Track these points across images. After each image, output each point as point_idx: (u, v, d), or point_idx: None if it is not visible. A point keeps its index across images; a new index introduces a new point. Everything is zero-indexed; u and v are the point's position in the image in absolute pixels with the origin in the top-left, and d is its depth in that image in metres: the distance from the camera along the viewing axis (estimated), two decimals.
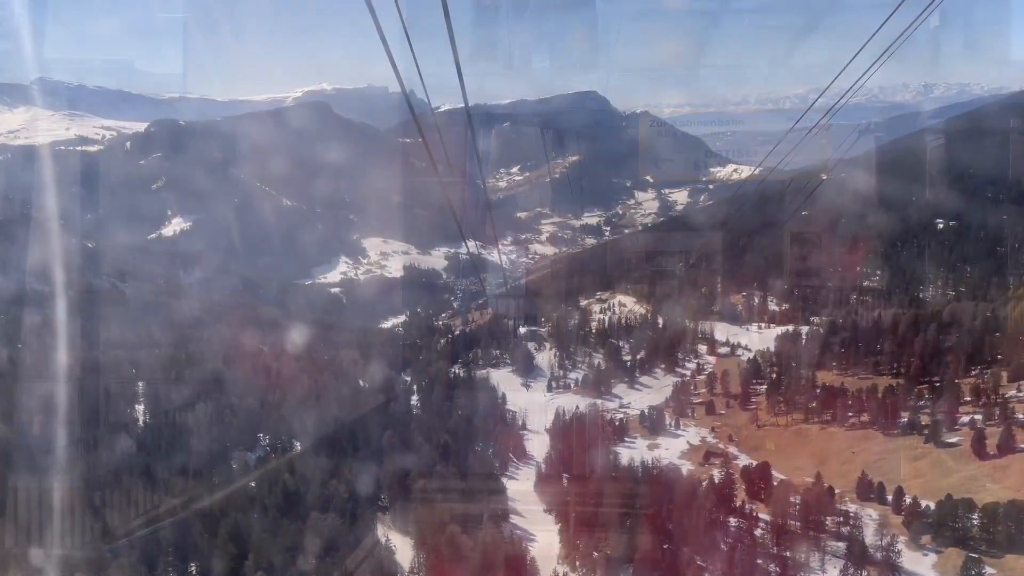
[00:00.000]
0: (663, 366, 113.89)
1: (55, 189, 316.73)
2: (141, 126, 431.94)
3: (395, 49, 6.03)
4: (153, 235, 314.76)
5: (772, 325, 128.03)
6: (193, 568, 42.61)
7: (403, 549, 51.85)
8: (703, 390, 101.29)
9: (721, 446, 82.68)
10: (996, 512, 48.68)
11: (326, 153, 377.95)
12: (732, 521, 57.86)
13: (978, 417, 65.95)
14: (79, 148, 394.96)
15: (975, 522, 49.71)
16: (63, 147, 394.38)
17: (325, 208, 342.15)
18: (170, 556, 41.77)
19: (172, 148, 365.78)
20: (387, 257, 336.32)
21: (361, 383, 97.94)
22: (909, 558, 49.90)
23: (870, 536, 51.17)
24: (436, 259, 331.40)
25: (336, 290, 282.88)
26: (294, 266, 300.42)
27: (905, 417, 71.64)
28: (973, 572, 43.85)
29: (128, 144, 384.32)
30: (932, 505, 53.56)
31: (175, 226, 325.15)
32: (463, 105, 8.20)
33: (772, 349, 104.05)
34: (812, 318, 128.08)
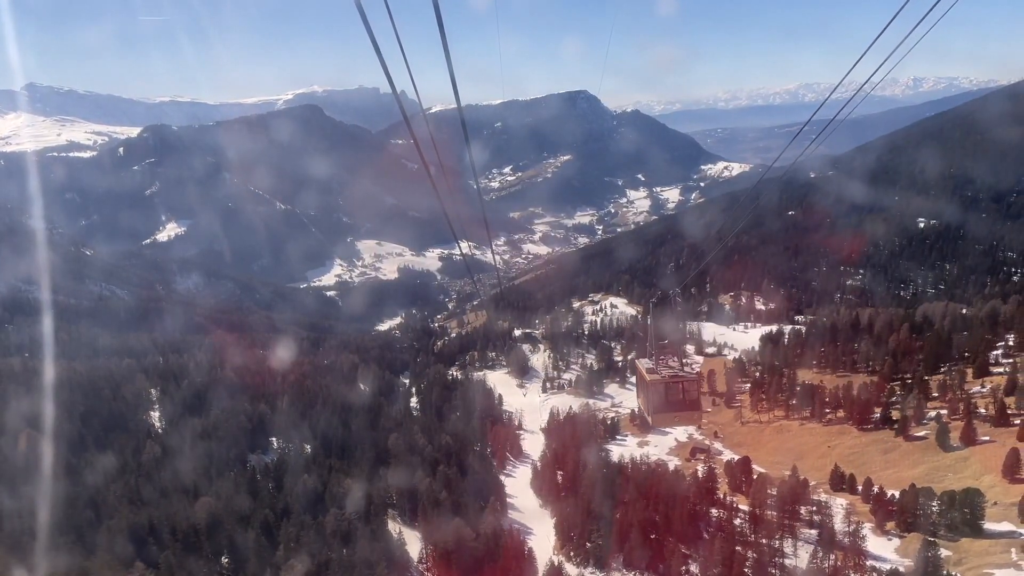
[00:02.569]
0: None
1: (49, 196, 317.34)
2: (133, 131, 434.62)
3: (385, 50, 6.05)
4: (147, 240, 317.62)
5: (758, 324, 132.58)
6: (227, 559, 46.76)
7: (412, 541, 56.18)
8: None
9: (707, 442, 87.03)
10: (953, 499, 53.29)
11: (318, 156, 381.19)
12: (714, 512, 62.31)
13: (944, 412, 70.59)
14: (71, 154, 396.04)
15: (934, 509, 54.34)
16: (55, 153, 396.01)
17: (318, 211, 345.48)
18: (209, 548, 45.85)
19: (165, 153, 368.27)
20: (381, 259, 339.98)
21: (362, 386, 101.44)
22: (874, 543, 54.46)
23: (839, 523, 55.74)
24: (430, 260, 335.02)
25: (331, 293, 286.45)
26: (288, 269, 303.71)
27: (878, 413, 76.27)
28: (929, 554, 48.33)
29: (121, 150, 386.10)
30: (897, 494, 58.14)
31: (169, 231, 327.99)
32: (455, 106, 7.85)
33: (756, 349, 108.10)
34: (796, 317, 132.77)
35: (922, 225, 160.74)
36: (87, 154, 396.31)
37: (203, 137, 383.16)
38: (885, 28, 7.67)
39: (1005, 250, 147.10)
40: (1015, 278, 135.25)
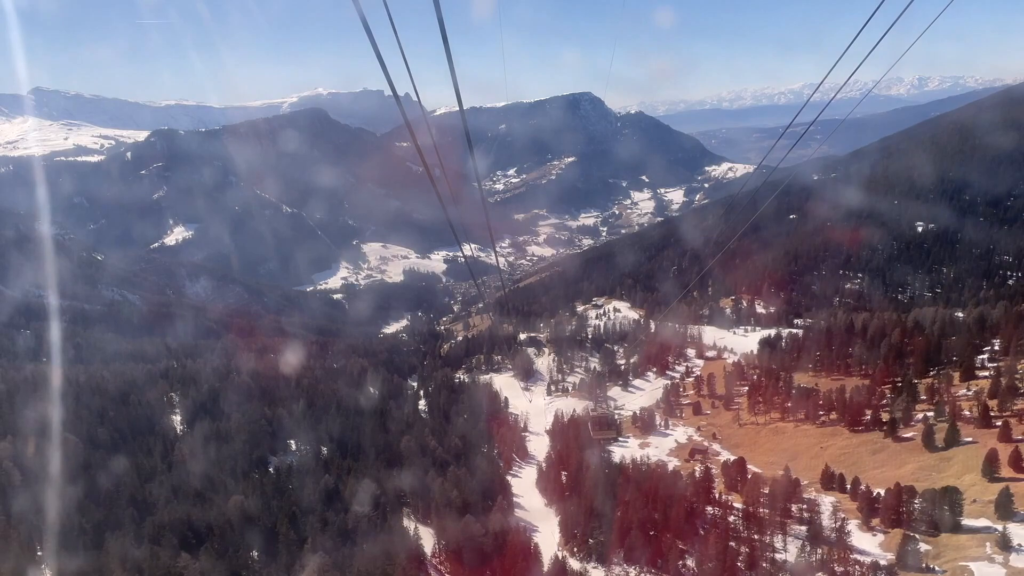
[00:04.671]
0: (655, 369, 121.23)
1: (58, 200, 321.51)
2: (139, 135, 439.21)
3: (388, 55, 6.00)
4: (155, 244, 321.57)
5: (757, 328, 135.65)
6: (257, 553, 50.46)
7: (425, 537, 59.83)
8: (691, 392, 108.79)
9: (706, 444, 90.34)
10: (934, 497, 56.60)
11: (323, 160, 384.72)
12: (710, 510, 65.73)
13: (930, 414, 73.80)
14: (79, 158, 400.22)
15: (916, 506, 57.66)
16: (63, 157, 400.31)
17: (324, 214, 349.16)
18: (242, 542, 49.57)
19: (172, 158, 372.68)
20: (387, 262, 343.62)
21: (372, 390, 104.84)
22: (859, 538, 57.79)
23: (827, 520, 59.14)
24: (435, 263, 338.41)
25: (338, 296, 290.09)
26: (295, 273, 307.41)
27: (868, 415, 79.48)
28: (909, 548, 51.78)
29: (128, 154, 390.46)
30: (883, 492, 61.46)
31: (177, 235, 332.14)
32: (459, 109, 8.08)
33: (755, 352, 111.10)
34: (795, 320, 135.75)
35: (920, 229, 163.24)
36: (95, 158, 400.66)
37: (210, 142, 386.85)
38: (859, 33, 8.11)
39: (1000, 254, 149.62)
40: (1010, 282, 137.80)
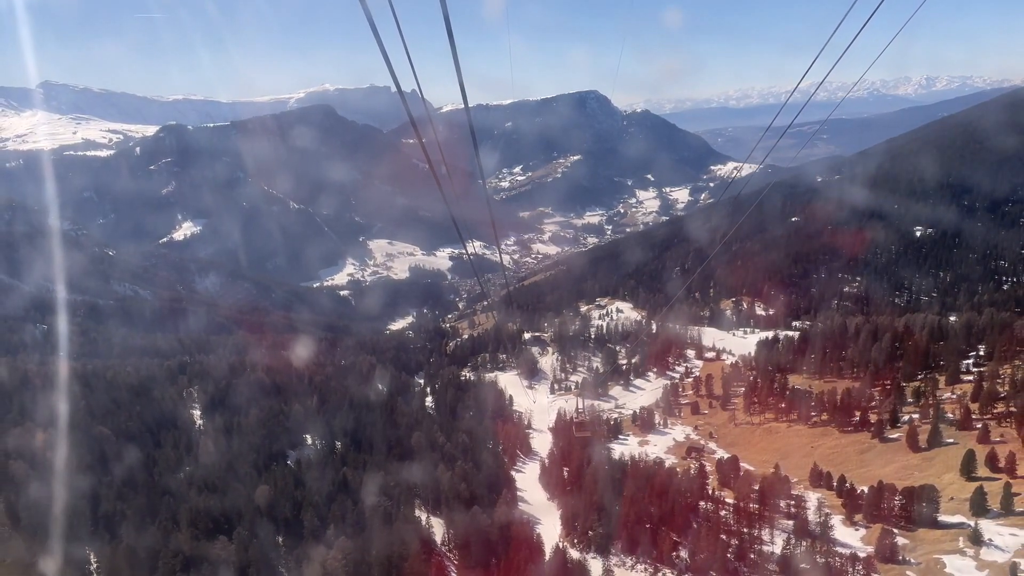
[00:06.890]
0: (655, 370, 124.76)
1: (67, 195, 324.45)
2: (147, 129, 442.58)
3: (394, 54, 5.90)
4: (164, 239, 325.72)
5: (757, 330, 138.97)
6: (282, 538, 54.49)
7: (436, 527, 63.78)
8: (690, 392, 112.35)
9: (702, 442, 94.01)
10: (911, 494, 60.18)
11: (331, 156, 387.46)
12: (703, 505, 69.47)
13: (916, 416, 77.35)
14: (88, 153, 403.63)
15: (896, 503, 61.29)
16: (72, 151, 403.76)
17: (331, 210, 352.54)
18: (270, 528, 53.65)
19: (181, 153, 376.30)
20: (393, 258, 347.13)
21: (380, 386, 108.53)
22: (842, 532, 61.44)
23: (812, 515, 62.79)
24: (441, 260, 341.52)
25: (344, 292, 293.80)
26: (301, 268, 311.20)
27: (858, 416, 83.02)
28: (887, 542, 55.47)
29: (137, 149, 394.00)
30: (866, 490, 65.06)
31: (185, 230, 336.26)
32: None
33: (752, 354, 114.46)
34: (794, 323, 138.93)
35: (919, 233, 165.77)
36: (103, 153, 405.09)
37: (218, 137, 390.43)
38: (832, 34, 8.56)
39: (998, 259, 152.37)
40: (1005, 287, 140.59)
